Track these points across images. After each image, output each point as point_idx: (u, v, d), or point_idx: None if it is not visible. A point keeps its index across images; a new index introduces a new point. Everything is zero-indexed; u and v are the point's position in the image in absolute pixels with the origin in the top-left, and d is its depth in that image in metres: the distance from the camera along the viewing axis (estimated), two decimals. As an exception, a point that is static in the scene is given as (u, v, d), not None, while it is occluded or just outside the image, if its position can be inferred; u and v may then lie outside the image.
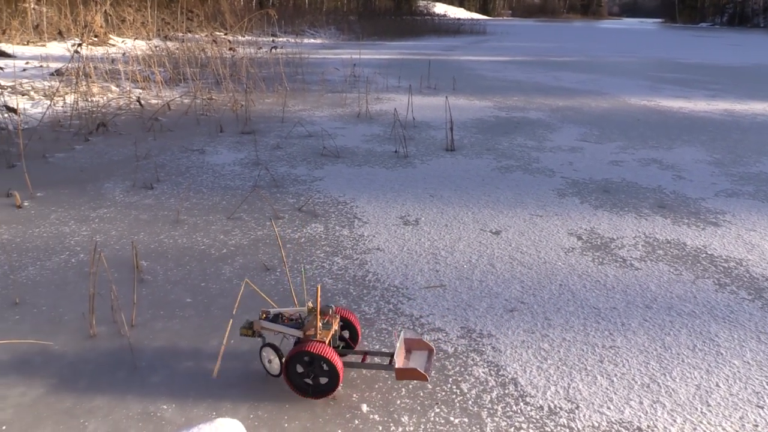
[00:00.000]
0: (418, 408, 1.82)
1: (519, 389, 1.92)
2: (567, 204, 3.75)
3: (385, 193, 3.89)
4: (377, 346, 2.14)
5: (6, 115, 5.41)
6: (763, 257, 2.99)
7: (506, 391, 1.91)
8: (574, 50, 18.68)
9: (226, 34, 13.47)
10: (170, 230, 3.19)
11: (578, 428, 1.74)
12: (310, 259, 2.86)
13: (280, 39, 16.62)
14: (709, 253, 3.04)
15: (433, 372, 1.96)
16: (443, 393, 1.89)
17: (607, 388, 1.93)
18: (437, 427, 1.74)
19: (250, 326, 1.92)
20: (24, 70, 8.21)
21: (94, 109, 5.98)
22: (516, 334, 2.24)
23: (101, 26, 12.25)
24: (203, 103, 6.86)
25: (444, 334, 2.23)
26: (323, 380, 1.81)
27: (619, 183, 4.24)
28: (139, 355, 2.05)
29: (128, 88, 7.51)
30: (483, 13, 63.10)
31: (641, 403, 1.86)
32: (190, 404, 1.81)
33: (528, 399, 1.88)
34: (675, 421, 1.78)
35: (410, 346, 1.91)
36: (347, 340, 2.01)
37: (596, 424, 1.76)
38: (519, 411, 1.82)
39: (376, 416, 1.78)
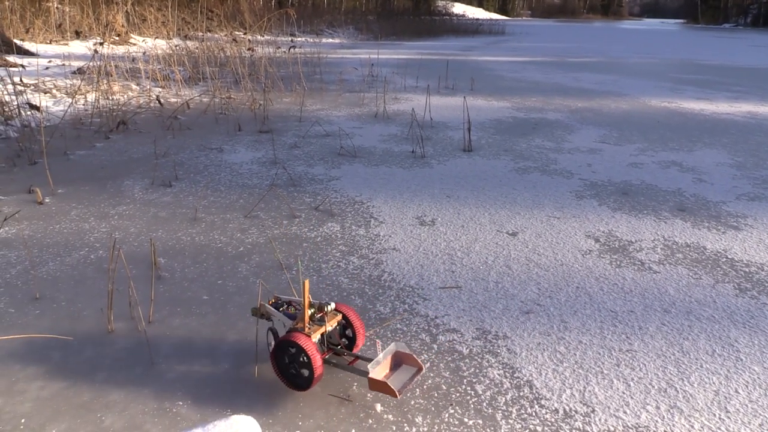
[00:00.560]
0: (432, 409, 1.82)
1: (534, 392, 1.91)
2: (585, 206, 3.72)
3: (401, 193, 3.89)
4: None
5: (29, 112, 5.50)
6: (786, 262, 2.94)
7: (521, 394, 1.90)
8: (593, 51, 18.51)
9: (245, 34, 13.57)
10: (188, 228, 3.21)
11: (594, 432, 1.73)
12: (326, 258, 2.86)
13: (299, 39, 16.69)
14: (729, 257, 3.00)
15: (409, 391, 1.88)
16: (458, 394, 1.89)
17: (623, 392, 1.91)
18: (451, 428, 1.73)
19: (259, 308, 2.02)
20: (47, 68, 8.33)
21: (115, 107, 6.05)
22: (532, 336, 2.23)
23: (122, 25, 12.41)
24: (222, 102, 6.91)
25: (459, 335, 2.23)
26: (305, 372, 1.81)
27: (638, 185, 4.19)
28: (156, 351, 2.07)
29: (148, 87, 7.59)
30: (502, 14, 62.80)
31: (658, 407, 1.84)
32: (206, 401, 1.83)
33: (543, 402, 1.86)
34: (693, 426, 1.76)
35: (401, 361, 1.86)
36: (351, 340, 2.01)
37: (612, 429, 1.74)
38: (534, 414, 1.81)
39: (390, 416, 1.78)
